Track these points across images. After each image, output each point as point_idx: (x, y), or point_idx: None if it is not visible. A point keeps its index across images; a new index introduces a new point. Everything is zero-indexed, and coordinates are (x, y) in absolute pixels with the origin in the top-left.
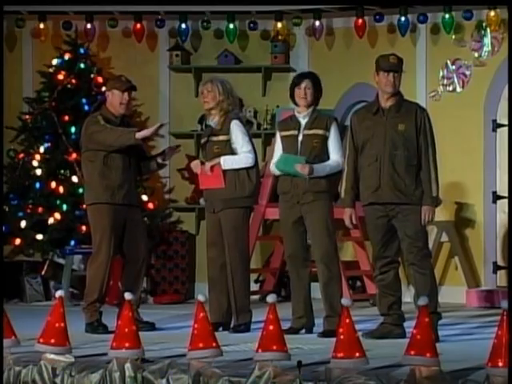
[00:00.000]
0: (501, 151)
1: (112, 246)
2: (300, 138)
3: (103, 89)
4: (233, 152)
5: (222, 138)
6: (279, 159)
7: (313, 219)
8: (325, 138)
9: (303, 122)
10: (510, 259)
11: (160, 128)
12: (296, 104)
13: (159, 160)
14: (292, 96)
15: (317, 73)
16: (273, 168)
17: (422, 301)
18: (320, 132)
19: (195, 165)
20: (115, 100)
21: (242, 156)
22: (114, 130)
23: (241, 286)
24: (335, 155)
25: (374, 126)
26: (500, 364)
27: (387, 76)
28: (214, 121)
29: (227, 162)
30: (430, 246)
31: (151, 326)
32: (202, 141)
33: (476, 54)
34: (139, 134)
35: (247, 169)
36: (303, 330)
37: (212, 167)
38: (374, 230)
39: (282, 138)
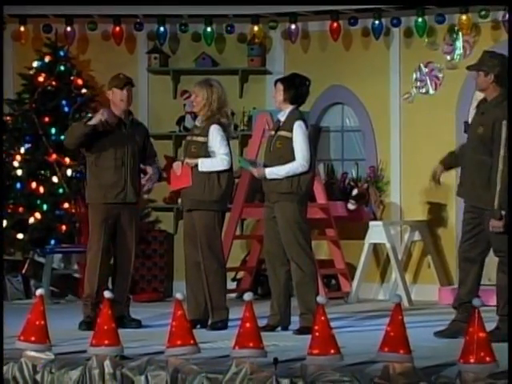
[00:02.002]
0: None
1: (102, 243)
2: (274, 138)
3: (83, 91)
4: (207, 155)
5: (200, 139)
6: (238, 161)
7: (279, 220)
8: (289, 140)
9: (281, 123)
10: (510, 259)
11: (104, 115)
12: None
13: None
14: None
15: (299, 73)
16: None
17: (396, 298)
18: (284, 133)
19: (176, 165)
20: (116, 98)
21: (218, 158)
22: (71, 126)
23: (214, 284)
24: (297, 157)
25: (470, 124)
26: (472, 360)
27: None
28: (198, 121)
29: (205, 164)
30: (404, 245)
31: (138, 324)
32: (187, 139)
33: (448, 57)
34: (90, 122)
35: (218, 173)
36: (279, 328)
37: (183, 166)
38: (463, 222)
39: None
